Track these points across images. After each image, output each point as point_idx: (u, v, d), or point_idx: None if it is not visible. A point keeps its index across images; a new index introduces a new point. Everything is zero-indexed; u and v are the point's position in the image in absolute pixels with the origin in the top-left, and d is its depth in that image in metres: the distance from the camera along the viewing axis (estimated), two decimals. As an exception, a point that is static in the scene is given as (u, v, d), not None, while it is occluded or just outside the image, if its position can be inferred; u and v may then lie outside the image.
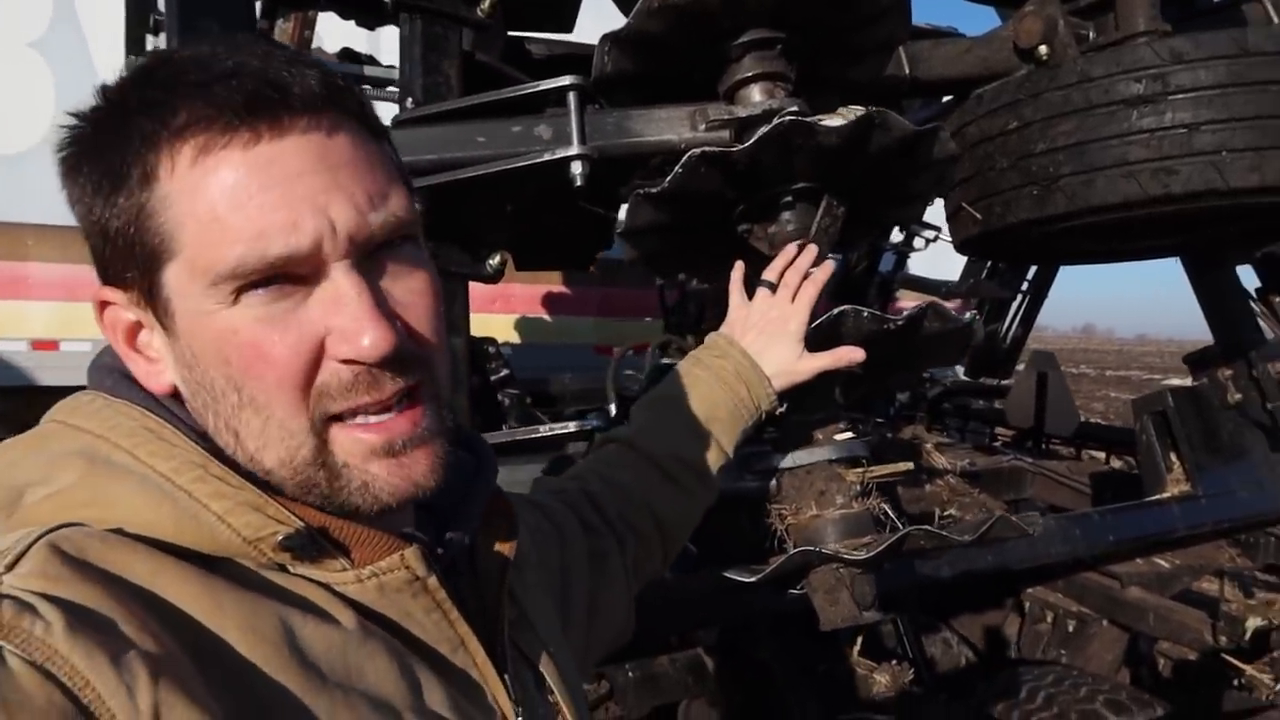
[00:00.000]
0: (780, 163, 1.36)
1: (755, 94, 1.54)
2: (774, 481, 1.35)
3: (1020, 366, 5.82)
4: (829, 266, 1.32)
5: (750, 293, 1.35)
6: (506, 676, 0.73)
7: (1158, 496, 2.76)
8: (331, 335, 0.63)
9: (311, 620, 0.62)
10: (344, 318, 0.63)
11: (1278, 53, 1.73)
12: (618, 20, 1.52)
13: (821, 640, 2.24)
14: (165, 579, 0.58)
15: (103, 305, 0.68)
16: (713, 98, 1.60)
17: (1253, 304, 2.96)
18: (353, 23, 4.01)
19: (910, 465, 1.35)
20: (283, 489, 0.65)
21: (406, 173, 0.72)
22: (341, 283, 0.63)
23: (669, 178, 1.34)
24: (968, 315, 1.48)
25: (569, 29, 2.02)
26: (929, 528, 1.19)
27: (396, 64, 2.49)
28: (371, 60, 3.44)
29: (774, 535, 1.38)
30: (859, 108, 1.44)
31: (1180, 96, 1.75)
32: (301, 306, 0.63)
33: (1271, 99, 1.72)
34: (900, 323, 1.26)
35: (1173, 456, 2.83)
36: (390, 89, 2.37)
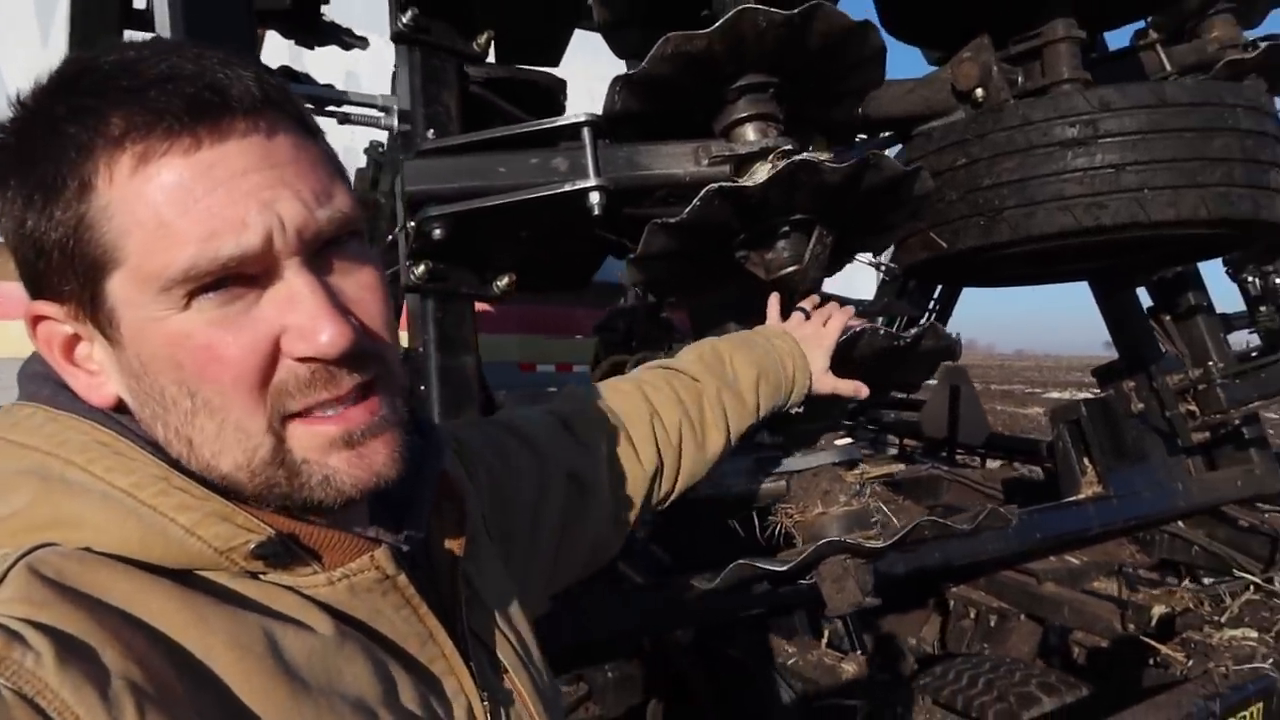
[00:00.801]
0: (785, 197, 1.51)
1: (750, 133, 1.68)
2: (783, 483, 1.49)
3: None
4: (851, 309, 1.51)
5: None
6: (471, 664, 0.74)
7: (1076, 498, 3.02)
8: (287, 334, 0.63)
9: (291, 628, 0.63)
10: (300, 315, 0.62)
11: (1189, 104, 1.99)
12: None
13: (789, 636, 2.40)
14: (145, 598, 0.58)
15: (36, 319, 0.66)
16: (708, 135, 1.75)
17: (1152, 323, 3.27)
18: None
19: (901, 466, 1.51)
20: (241, 493, 0.64)
21: (345, 171, 0.72)
22: (294, 281, 0.62)
23: (688, 209, 1.47)
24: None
25: (555, 63, 2.14)
26: (934, 518, 1.36)
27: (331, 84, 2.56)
28: (308, 79, 3.47)
29: (780, 532, 1.52)
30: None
31: (1109, 140, 1.99)
32: (255, 306, 0.62)
33: (1185, 144, 1.97)
34: (907, 340, 1.42)
35: (1086, 461, 3.10)
36: (361, 111, 2.41)
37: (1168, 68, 3.01)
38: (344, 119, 2.32)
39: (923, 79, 2.55)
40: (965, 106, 2.48)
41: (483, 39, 1.96)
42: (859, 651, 2.30)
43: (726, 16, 1.49)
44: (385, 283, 0.71)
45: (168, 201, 0.59)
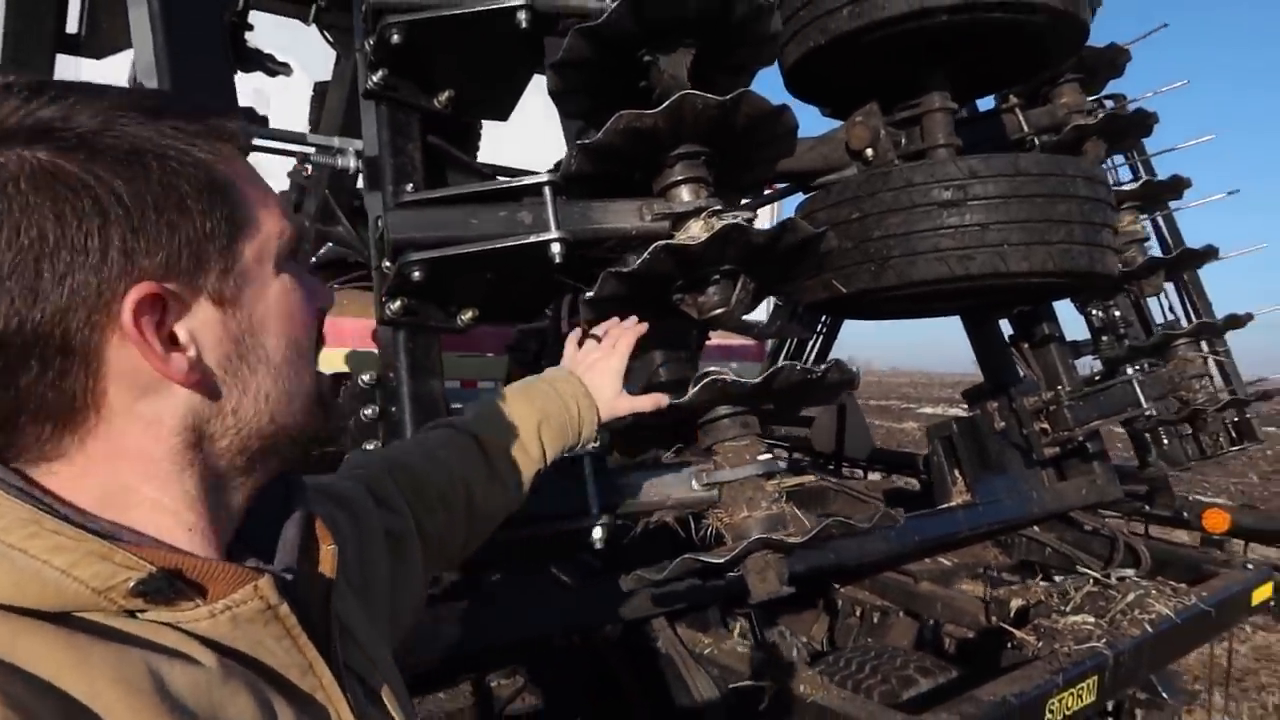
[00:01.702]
0: (718, 253, 1.81)
1: (684, 194, 1.97)
2: (715, 492, 1.78)
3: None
4: (642, 326, 1.60)
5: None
6: (349, 695, 0.75)
7: (948, 505, 3.42)
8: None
9: (176, 663, 0.62)
10: (315, 280, 0.80)
11: (1039, 174, 2.39)
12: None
13: (705, 629, 2.70)
14: (25, 641, 0.57)
15: (148, 300, 0.64)
16: (646, 193, 2.03)
17: (1013, 351, 3.73)
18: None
19: (812, 477, 1.82)
20: (285, 433, 0.73)
21: None
22: (304, 259, 0.90)
23: (639, 261, 1.75)
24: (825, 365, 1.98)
25: (505, 118, 2.38)
26: (840, 518, 1.67)
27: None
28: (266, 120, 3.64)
29: (711, 533, 1.81)
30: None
31: (976, 202, 2.37)
32: None
33: (1036, 207, 2.37)
34: (819, 374, 1.73)
35: (956, 472, 3.52)
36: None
37: (1025, 129, 3.48)
38: (303, 159, 2.52)
39: (820, 138, 2.92)
40: (858, 163, 2.86)
41: (443, 97, 2.20)
42: (762, 643, 2.61)
43: (671, 100, 1.78)
44: None
45: (265, 191, 0.74)
